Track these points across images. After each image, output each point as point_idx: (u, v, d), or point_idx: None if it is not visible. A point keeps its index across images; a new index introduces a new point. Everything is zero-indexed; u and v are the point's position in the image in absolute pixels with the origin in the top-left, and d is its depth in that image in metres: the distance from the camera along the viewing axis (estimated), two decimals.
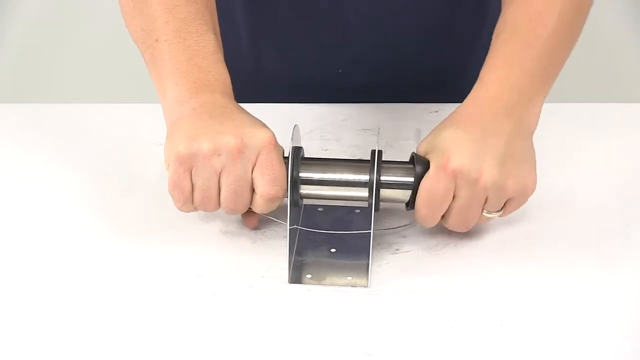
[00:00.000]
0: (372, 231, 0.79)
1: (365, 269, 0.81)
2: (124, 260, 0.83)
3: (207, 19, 0.86)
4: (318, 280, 0.80)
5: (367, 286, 0.80)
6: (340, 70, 1.11)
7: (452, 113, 0.83)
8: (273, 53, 1.12)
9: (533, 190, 0.82)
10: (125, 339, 0.74)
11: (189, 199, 0.80)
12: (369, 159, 0.81)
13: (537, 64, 0.84)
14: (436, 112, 1.06)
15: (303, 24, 1.09)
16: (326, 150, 0.98)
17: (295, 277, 0.81)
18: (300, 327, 0.75)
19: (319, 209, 0.89)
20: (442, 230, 0.86)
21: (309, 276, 0.81)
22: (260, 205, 0.81)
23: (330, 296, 0.79)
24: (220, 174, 0.79)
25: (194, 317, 0.76)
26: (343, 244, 0.85)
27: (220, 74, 0.83)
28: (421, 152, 0.81)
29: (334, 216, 0.88)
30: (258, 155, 0.78)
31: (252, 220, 0.86)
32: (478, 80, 0.84)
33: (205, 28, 0.84)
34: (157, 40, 0.84)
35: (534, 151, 0.83)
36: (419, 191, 0.79)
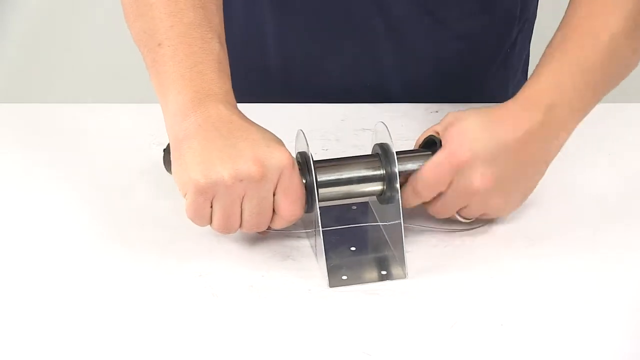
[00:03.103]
0: (402, 221, 0.80)
1: (396, 261, 0.81)
2: (124, 261, 0.83)
3: (213, 25, 0.83)
4: (355, 280, 0.80)
5: (405, 277, 0.80)
6: (368, 85, 1.11)
7: (481, 109, 0.83)
8: (301, 64, 1.11)
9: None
10: (125, 339, 0.74)
11: (209, 223, 0.79)
12: (371, 153, 0.83)
13: (577, 95, 0.83)
14: (436, 112, 1.06)
15: (332, 39, 1.08)
16: (326, 150, 0.98)
17: (334, 280, 0.80)
18: (300, 327, 0.75)
19: None
20: (442, 230, 0.86)
21: (344, 277, 0.80)
22: (280, 225, 0.80)
23: (330, 296, 0.79)
24: (242, 198, 0.77)
25: (194, 317, 0.76)
26: (359, 241, 0.85)
27: (224, 83, 0.81)
28: (439, 130, 0.82)
29: (333, 215, 0.87)
30: (280, 177, 0.77)
31: (264, 232, 0.85)
32: (519, 92, 0.84)
33: (210, 35, 0.82)
34: (160, 44, 0.82)
35: (541, 177, 0.84)
36: (421, 168, 0.81)
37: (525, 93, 0.83)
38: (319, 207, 0.79)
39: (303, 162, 0.81)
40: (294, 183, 0.78)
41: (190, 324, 0.76)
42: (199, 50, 0.81)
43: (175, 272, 0.81)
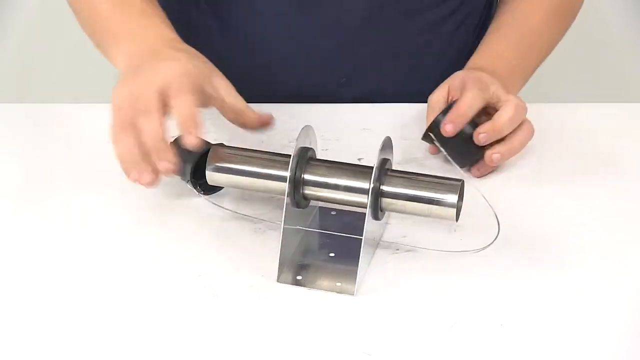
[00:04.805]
0: (363, 238, 0.78)
1: (354, 276, 0.79)
2: (124, 261, 0.83)
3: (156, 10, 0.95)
4: (308, 282, 0.80)
5: (353, 294, 0.78)
6: (343, 80, 1.11)
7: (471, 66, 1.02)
8: (271, 63, 1.11)
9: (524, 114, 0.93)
10: (125, 339, 0.74)
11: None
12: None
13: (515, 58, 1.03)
14: None
15: (305, 34, 1.09)
16: (326, 150, 0.98)
17: (285, 277, 0.80)
18: (301, 327, 0.76)
19: (332, 212, 0.88)
20: (442, 230, 0.86)
21: (299, 278, 0.80)
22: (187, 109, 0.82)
23: (331, 296, 0.79)
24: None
25: (194, 317, 0.76)
26: (343, 248, 0.83)
27: (163, 29, 0.92)
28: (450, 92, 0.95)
29: (344, 220, 0.87)
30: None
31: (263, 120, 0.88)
32: (474, 56, 1.04)
33: (151, 11, 0.94)
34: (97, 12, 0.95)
35: None
36: (463, 98, 0.91)
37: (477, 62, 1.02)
38: (333, 209, 0.79)
39: (299, 157, 0.81)
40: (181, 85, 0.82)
41: (190, 324, 0.76)
42: (137, 16, 0.93)
43: (175, 272, 0.81)
